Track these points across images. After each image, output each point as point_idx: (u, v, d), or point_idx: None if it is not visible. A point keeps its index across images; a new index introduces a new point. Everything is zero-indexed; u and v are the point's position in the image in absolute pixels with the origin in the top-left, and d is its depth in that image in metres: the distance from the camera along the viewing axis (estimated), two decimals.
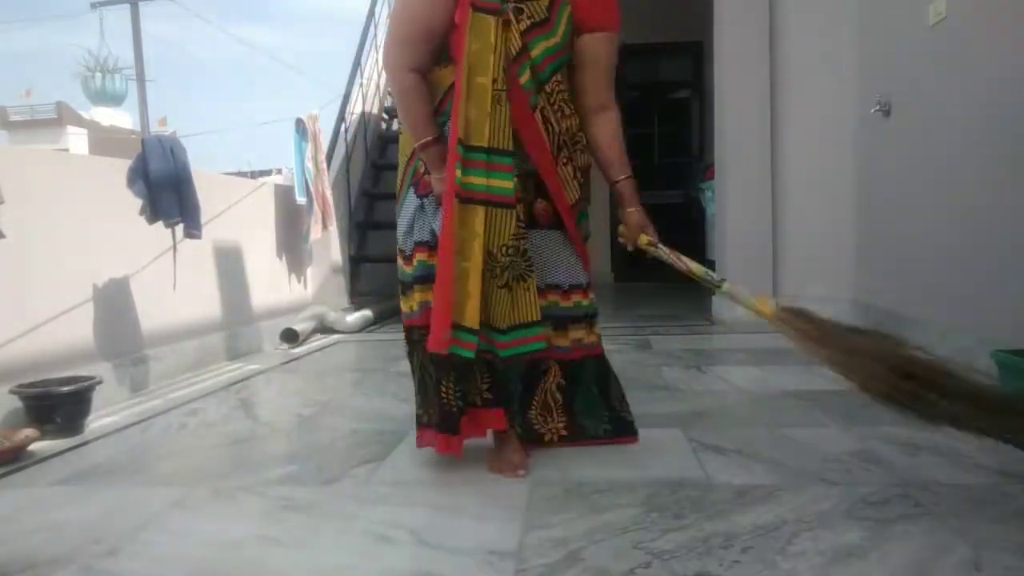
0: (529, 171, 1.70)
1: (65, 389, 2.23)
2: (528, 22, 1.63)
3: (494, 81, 1.58)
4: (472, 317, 1.57)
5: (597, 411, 1.90)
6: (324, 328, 4.30)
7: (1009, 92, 2.45)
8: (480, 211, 1.59)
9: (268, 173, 17.35)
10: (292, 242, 4.34)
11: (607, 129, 1.76)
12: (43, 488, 1.78)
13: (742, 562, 1.23)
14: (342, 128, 5.03)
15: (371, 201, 5.38)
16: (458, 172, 1.56)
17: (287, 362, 3.43)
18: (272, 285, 4.08)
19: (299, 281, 4.46)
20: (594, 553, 1.28)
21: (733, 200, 4.11)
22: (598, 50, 1.70)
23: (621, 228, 1.86)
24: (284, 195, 4.32)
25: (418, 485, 1.69)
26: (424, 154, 1.67)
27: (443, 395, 1.70)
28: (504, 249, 1.62)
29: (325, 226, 4.43)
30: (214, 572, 1.29)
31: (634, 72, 7.77)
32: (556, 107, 1.70)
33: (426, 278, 1.68)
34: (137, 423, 2.37)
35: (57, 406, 2.21)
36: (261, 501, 1.62)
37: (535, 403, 1.83)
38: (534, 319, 1.68)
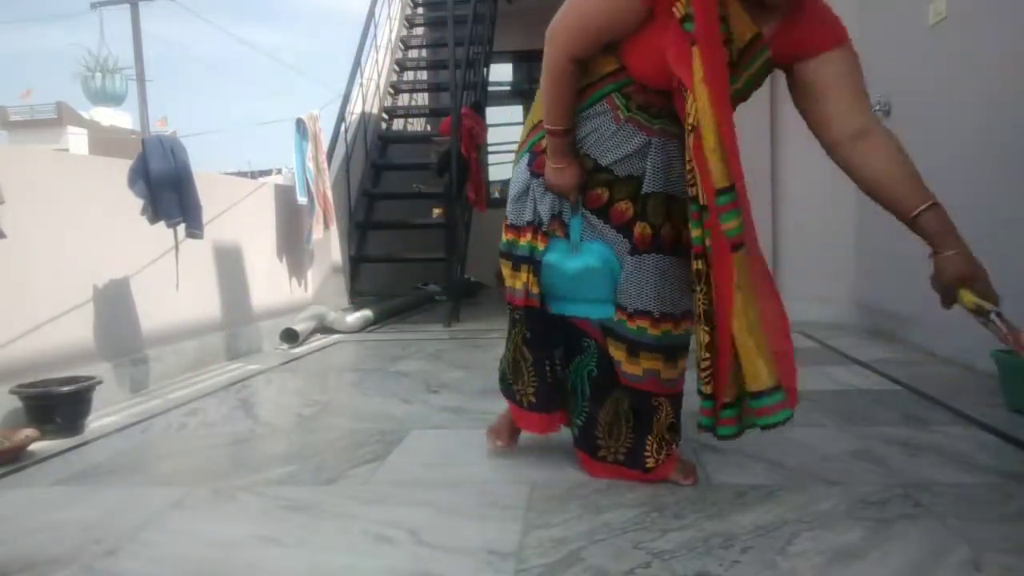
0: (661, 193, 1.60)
1: (65, 389, 2.23)
2: (731, 54, 1.49)
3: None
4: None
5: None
6: (324, 328, 4.30)
7: (1009, 92, 2.45)
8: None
9: (269, 173, 17.37)
10: (292, 242, 4.34)
11: (877, 154, 1.47)
12: (43, 488, 1.78)
13: (742, 562, 1.23)
14: (342, 128, 5.03)
15: (371, 201, 5.38)
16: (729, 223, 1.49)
17: (287, 362, 3.43)
18: (272, 285, 4.08)
19: (299, 281, 4.46)
20: (594, 553, 1.28)
21: None
22: (837, 70, 1.52)
23: (933, 277, 1.46)
24: (284, 195, 4.32)
25: (418, 485, 1.69)
26: (552, 140, 1.57)
27: (546, 374, 1.70)
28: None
29: (326, 226, 4.43)
30: (214, 572, 1.29)
31: None
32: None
33: (530, 259, 1.65)
34: (137, 423, 2.37)
35: (57, 406, 2.21)
36: (261, 501, 1.62)
37: (652, 435, 1.64)
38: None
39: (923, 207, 1.41)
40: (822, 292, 3.98)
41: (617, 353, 1.62)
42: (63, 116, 23.55)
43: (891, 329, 3.41)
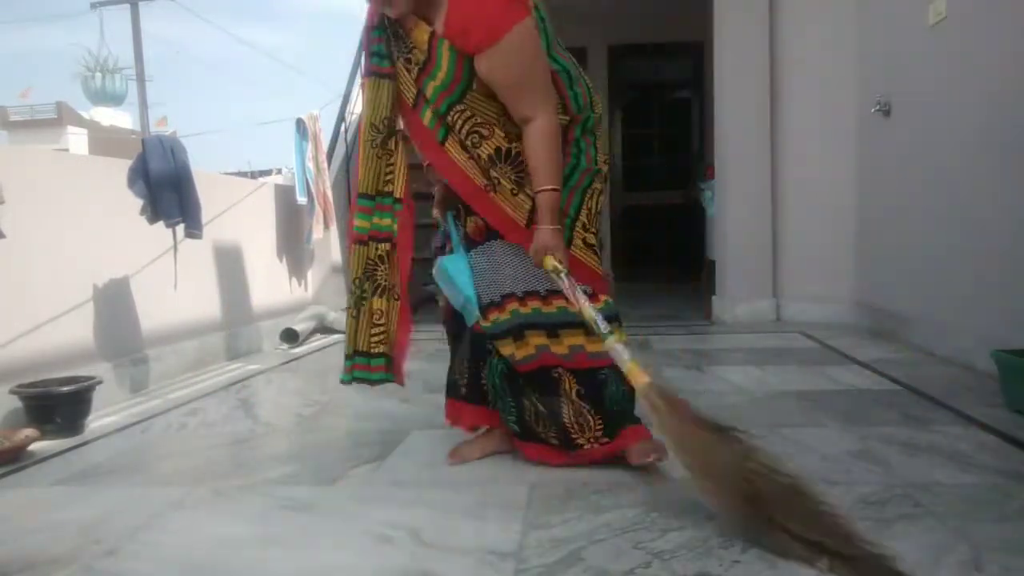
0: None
1: (65, 389, 2.23)
2: (417, 69, 1.67)
3: (371, 133, 1.75)
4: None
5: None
6: (324, 328, 4.29)
7: (1009, 92, 2.45)
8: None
9: (268, 173, 17.35)
10: (292, 242, 4.34)
11: (527, 142, 1.66)
12: (43, 488, 1.78)
13: (742, 562, 1.23)
14: (342, 128, 5.02)
15: None
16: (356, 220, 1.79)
17: (287, 362, 3.43)
18: (272, 285, 4.08)
19: (299, 281, 4.46)
20: (594, 553, 1.28)
21: (733, 200, 4.11)
22: (484, 70, 1.61)
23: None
24: (284, 195, 4.32)
25: (418, 485, 1.69)
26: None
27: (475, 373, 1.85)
28: (355, 281, 1.85)
29: (326, 226, 4.43)
30: (214, 572, 1.29)
31: (634, 72, 7.77)
32: (467, 135, 1.70)
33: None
34: (137, 423, 2.37)
35: (57, 406, 2.21)
36: (261, 501, 1.62)
37: (567, 412, 1.72)
38: (361, 348, 1.84)
39: (538, 190, 1.64)
40: (822, 292, 3.98)
41: (505, 348, 1.73)
42: (63, 116, 23.55)
43: (891, 329, 3.41)
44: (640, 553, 1.27)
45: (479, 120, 1.69)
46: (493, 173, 1.70)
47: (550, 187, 1.64)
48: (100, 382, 2.36)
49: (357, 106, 5.27)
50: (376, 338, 1.81)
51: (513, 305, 1.74)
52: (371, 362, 1.80)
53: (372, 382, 1.81)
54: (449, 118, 1.68)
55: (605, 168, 1.88)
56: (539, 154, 1.63)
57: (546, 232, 1.64)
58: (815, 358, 3.00)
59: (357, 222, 1.81)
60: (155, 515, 1.54)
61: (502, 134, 1.69)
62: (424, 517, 1.48)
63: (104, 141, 20.73)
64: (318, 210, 4.34)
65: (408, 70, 1.68)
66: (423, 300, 5.73)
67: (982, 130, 2.62)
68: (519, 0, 1.61)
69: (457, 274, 1.81)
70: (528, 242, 1.67)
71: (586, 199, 1.79)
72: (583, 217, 1.78)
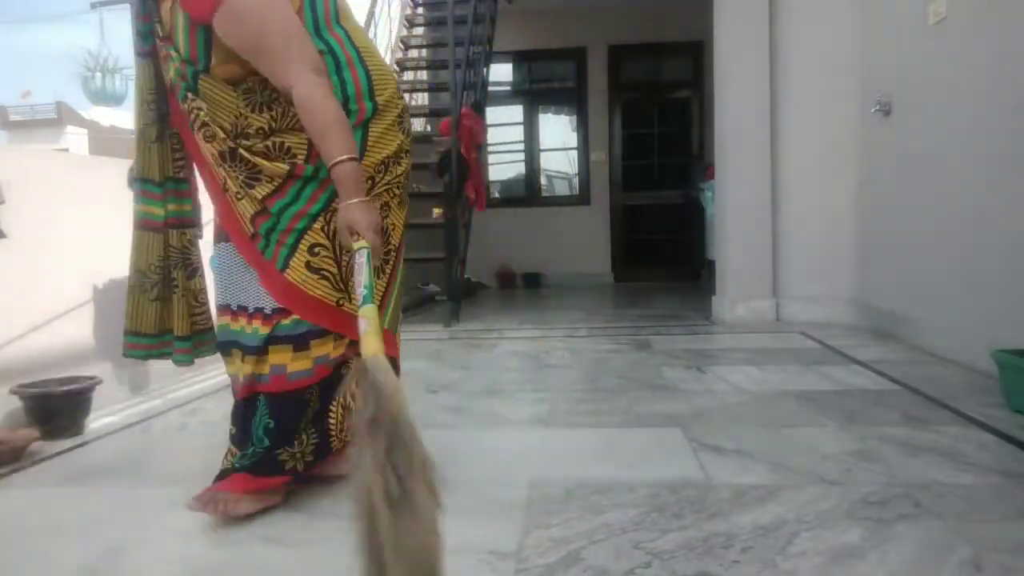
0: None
1: (65, 389, 2.23)
2: (164, 48, 1.52)
3: (141, 119, 1.63)
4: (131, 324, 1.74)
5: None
6: None
7: (1009, 92, 2.45)
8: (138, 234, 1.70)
9: None
10: None
11: (300, 115, 1.45)
12: (43, 488, 1.78)
13: (742, 562, 1.23)
14: None
15: None
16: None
17: None
18: None
19: None
20: (594, 553, 1.28)
21: (733, 200, 4.11)
22: (220, 36, 1.42)
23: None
24: None
25: None
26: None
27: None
28: (151, 267, 1.70)
29: None
30: (214, 572, 1.29)
31: (634, 72, 7.78)
32: (199, 130, 1.53)
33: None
34: (137, 423, 2.37)
35: (57, 406, 2.21)
36: None
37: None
38: (182, 332, 1.74)
39: (332, 163, 1.43)
40: (822, 292, 3.98)
41: (232, 366, 1.66)
42: (63, 116, 23.53)
43: (891, 329, 3.41)
44: (640, 553, 1.27)
45: (205, 117, 1.51)
46: (222, 172, 1.55)
47: (342, 158, 1.41)
48: (100, 382, 2.36)
49: None
50: (199, 318, 1.75)
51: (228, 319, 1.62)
52: (197, 339, 1.77)
53: (181, 362, 1.77)
54: (184, 108, 1.54)
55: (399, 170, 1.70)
56: (313, 125, 1.43)
57: (351, 208, 1.41)
58: (815, 358, 3.00)
59: (144, 207, 1.69)
60: (155, 515, 1.54)
61: (223, 135, 1.50)
62: None
63: (104, 141, 20.72)
64: None
65: (160, 50, 1.55)
66: (423, 300, 5.74)
67: (982, 130, 2.62)
68: None
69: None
70: (250, 255, 1.53)
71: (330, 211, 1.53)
72: (315, 234, 1.53)
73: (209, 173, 1.59)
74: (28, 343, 2.36)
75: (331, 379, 1.59)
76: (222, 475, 1.57)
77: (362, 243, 1.40)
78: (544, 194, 8.06)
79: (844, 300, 3.93)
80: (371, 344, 1.24)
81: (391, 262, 1.67)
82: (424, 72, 6.73)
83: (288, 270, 1.52)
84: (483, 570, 1.24)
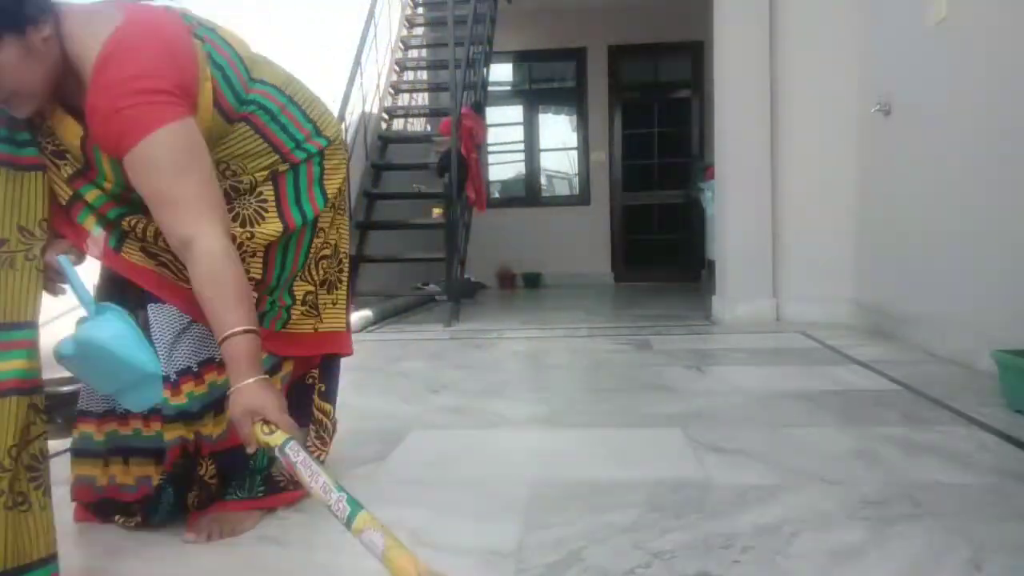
0: None
1: (65, 389, 2.23)
2: (71, 170, 1.31)
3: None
4: None
5: None
6: None
7: (1009, 92, 2.45)
8: None
9: None
10: None
11: (191, 276, 1.23)
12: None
13: (742, 562, 1.23)
14: (342, 128, 5.02)
15: (371, 201, 5.39)
16: None
17: None
18: None
19: None
20: (594, 553, 1.28)
21: (733, 200, 4.11)
22: (131, 179, 1.25)
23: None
24: None
25: (418, 485, 1.69)
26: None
27: None
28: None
29: None
30: (214, 572, 1.29)
31: (634, 72, 7.78)
32: (155, 238, 1.33)
33: None
34: None
35: (57, 406, 2.20)
36: None
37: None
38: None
39: (222, 336, 1.20)
40: (822, 292, 3.98)
41: (205, 428, 1.41)
42: None
43: (891, 329, 3.41)
44: (640, 553, 1.27)
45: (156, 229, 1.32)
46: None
47: (238, 329, 1.20)
48: None
49: (357, 106, 5.27)
50: None
51: (213, 375, 1.39)
52: None
53: None
54: (125, 224, 1.35)
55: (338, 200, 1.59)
56: (208, 287, 1.21)
57: (251, 390, 1.18)
58: (815, 358, 3.00)
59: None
60: None
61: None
62: (424, 517, 1.47)
63: None
64: None
65: (57, 166, 1.30)
66: (423, 300, 5.74)
67: (982, 130, 2.62)
68: (160, 102, 1.21)
69: (121, 342, 1.29)
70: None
71: (313, 245, 1.52)
72: (312, 271, 1.53)
73: (150, 275, 1.37)
74: None
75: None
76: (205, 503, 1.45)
77: (280, 435, 1.16)
78: (544, 194, 8.06)
79: (844, 300, 3.93)
80: (404, 562, 1.09)
81: (345, 271, 1.66)
82: (424, 72, 6.74)
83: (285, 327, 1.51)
84: (483, 570, 1.24)
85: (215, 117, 1.33)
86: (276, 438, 1.17)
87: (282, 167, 1.45)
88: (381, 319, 4.76)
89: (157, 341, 1.35)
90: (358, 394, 2.70)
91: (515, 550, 1.31)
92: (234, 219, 1.39)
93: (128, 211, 1.34)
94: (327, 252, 1.58)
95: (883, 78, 3.53)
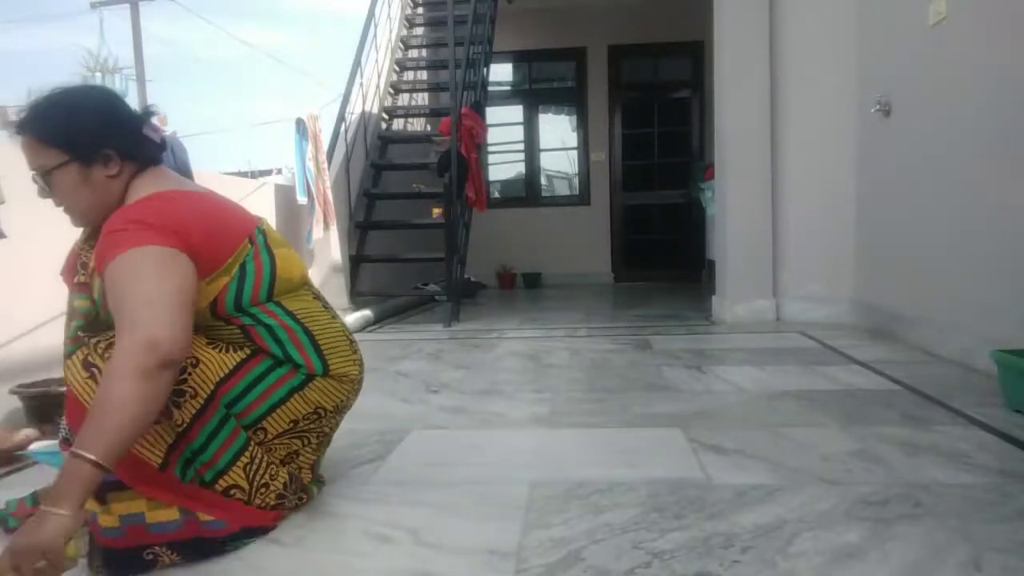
0: None
1: (65, 389, 2.23)
2: (81, 278, 1.42)
3: None
4: None
5: None
6: None
7: (1009, 92, 2.45)
8: None
9: (269, 173, 17.36)
10: (293, 242, 4.33)
11: (101, 381, 1.23)
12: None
13: (742, 562, 1.23)
14: (342, 128, 5.03)
15: (371, 201, 5.39)
16: None
17: None
18: None
19: None
20: (594, 553, 1.28)
21: (733, 200, 4.11)
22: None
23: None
24: (285, 195, 4.32)
25: (418, 485, 1.69)
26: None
27: None
28: None
29: (327, 226, 4.43)
30: (214, 572, 1.29)
31: (634, 72, 7.78)
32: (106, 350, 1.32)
33: None
34: None
35: (57, 406, 2.20)
36: None
37: None
38: None
39: (83, 453, 1.12)
40: (822, 292, 3.98)
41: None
42: None
43: (891, 329, 3.41)
44: (640, 553, 1.27)
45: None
46: None
47: (87, 455, 1.11)
48: None
49: (357, 106, 5.28)
50: None
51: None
52: None
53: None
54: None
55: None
56: (99, 403, 1.16)
57: (46, 519, 1.09)
58: (815, 358, 3.00)
59: None
60: None
61: None
62: (424, 517, 1.48)
63: None
64: (318, 210, 4.34)
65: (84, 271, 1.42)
66: (423, 300, 5.74)
67: (982, 130, 2.62)
68: (145, 230, 1.27)
69: None
70: (169, 493, 1.31)
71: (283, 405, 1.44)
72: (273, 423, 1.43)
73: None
74: (28, 343, 2.36)
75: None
76: None
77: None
78: (544, 194, 8.06)
79: (844, 300, 3.93)
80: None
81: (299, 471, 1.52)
82: (424, 72, 6.74)
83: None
84: (483, 570, 1.24)
85: (204, 312, 1.37)
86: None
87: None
88: (381, 319, 4.76)
89: None
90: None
91: (515, 550, 1.31)
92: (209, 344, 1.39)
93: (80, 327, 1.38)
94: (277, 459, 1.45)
95: (883, 78, 3.53)
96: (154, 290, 1.23)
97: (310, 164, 4.30)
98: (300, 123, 4.31)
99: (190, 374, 1.33)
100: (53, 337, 2.46)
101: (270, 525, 1.42)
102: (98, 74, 23.84)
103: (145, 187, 1.40)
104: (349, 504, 1.57)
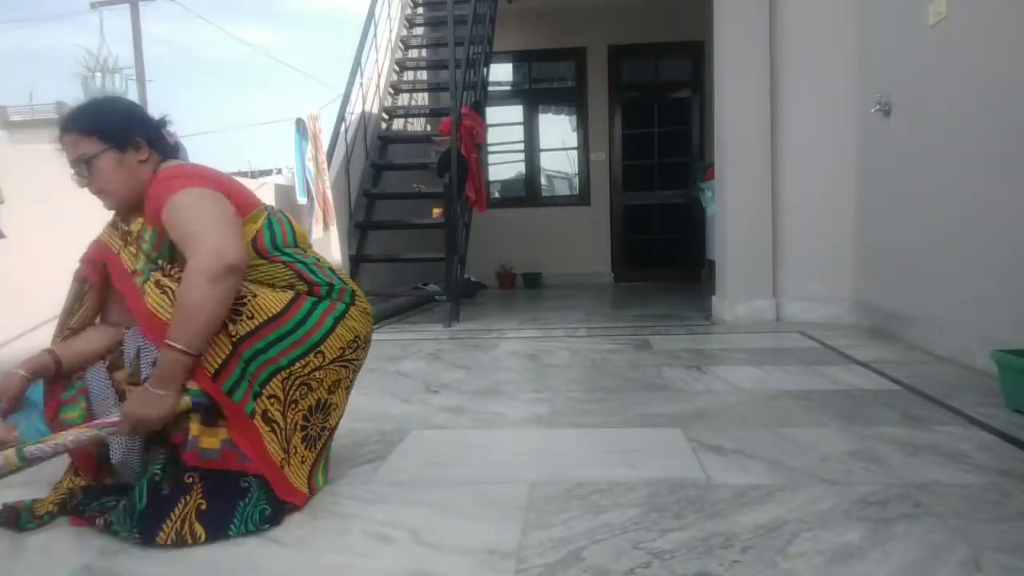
0: None
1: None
2: (132, 250, 1.62)
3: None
4: None
5: None
6: None
7: (1009, 92, 2.45)
8: None
9: (269, 173, 17.35)
10: None
11: (180, 285, 1.46)
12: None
13: (742, 562, 1.23)
14: (342, 128, 5.03)
15: (371, 201, 5.39)
16: None
17: None
18: None
19: None
20: (594, 553, 1.28)
21: (733, 200, 4.11)
22: (167, 228, 1.54)
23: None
24: (285, 195, 4.32)
25: (418, 485, 1.69)
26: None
27: None
28: None
29: (326, 226, 4.43)
30: (213, 572, 1.29)
31: (634, 72, 7.78)
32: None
33: None
34: None
35: None
36: None
37: None
38: None
39: (172, 343, 1.41)
40: (822, 292, 3.98)
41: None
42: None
43: (891, 329, 3.41)
44: (640, 553, 1.27)
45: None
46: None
47: (176, 344, 1.40)
48: None
49: (357, 106, 5.28)
50: None
51: None
52: None
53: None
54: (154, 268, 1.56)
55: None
56: (181, 301, 1.42)
57: (145, 395, 1.42)
58: (815, 358, 3.00)
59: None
60: None
61: None
62: (424, 517, 1.48)
63: None
64: (318, 210, 4.34)
65: (125, 242, 1.62)
66: (423, 300, 5.74)
67: (982, 130, 2.62)
68: (193, 179, 1.56)
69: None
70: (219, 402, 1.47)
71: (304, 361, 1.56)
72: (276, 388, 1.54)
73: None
74: (28, 343, 2.36)
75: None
76: None
77: (113, 422, 1.43)
78: (544, 194, 8.06)
79: (844, 300, 3.93)
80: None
81: (324, 438, 1.65)
82: (424, 72, 6.74)
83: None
84: (483, 570, 1.24)
85: (248, 247, 1.56)
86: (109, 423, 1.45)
87: (302, 287, 1.61)
88: (381, 319, 4.76)
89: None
90: (358, 394, 2.69)
91: (515, 550, 1.31)
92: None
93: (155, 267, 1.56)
94: (315, 398, 1.59)
95: (883, 78, 3.53)
96: (211, 213, 1.50)
97: (310, 164, 4.30)
98: (300, 123, 4.31)
99: (249, 301, 1.50)
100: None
101: (282, 498, 1.50)
102: (98, 74, 23.85)
103: (173, 164, 1.67)
104: (349, 504, 1.57)
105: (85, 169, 1.59)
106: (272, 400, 1.52)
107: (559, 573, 1.22)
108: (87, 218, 2.64)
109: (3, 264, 2.28)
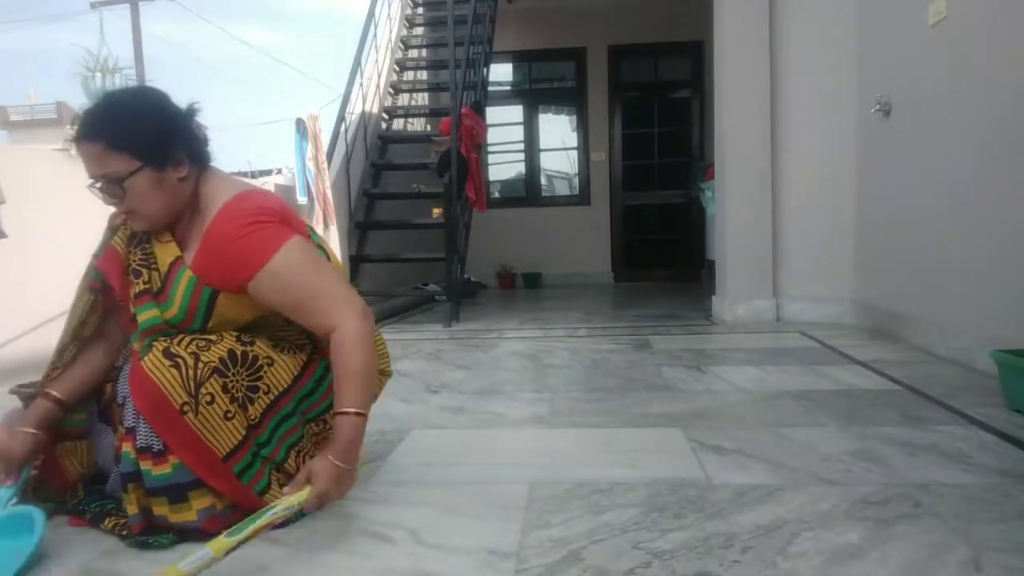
0: None
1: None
2: (141, 287, 1.45)
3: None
4: None
5: None
6: None
7: (1009, 92, 2.45)
8: None
9: (269, 173, 17.34)
10: None
11: (332, 355, 1.42)
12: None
13: (742, 562, 1.23)
14: (342, 128, 5.03)
15: (371, 201, 5.39)
16: None
17: None
18: None
19: None
20: (594, 553, 1.28)
21: (733, 200, 4.11)
22: (259, 294, 1.41)
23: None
24: (285, 195, 4.32)
25: (418, 485, 1.69)
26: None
27: None
28: None
29: (327, 225, 4.43)
30: (213, 572, 1.29)
31: (634, 72, 7.78)
32: (189, 343, 1.40)
33: None
34: None
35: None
36: None
37: None
38: None
39: (343, 410, 1.40)
40: (822, 292, 3.98)
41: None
42: (63, 116, 23.56)
43: (891, 329, 3.41)
44: (640, 553, 1.27)
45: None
46: (207, 388, 1.34)
47: (349, 410, 1.39)
48: None
49: (357, 106, 5.28)
50: None
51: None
52: None
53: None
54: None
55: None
56: (339, 366, 1.40)
57: (329, 468, 1.36)
58: (815, 358, 3.00)
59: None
60: None
61: (233, 337, 1.43)
62: (424, 517, 1.48)
63: None
64: (318, 210, 4.35)
65: (131, 282, 1.46)
66: (423, 300, 5.74)
67: (982, 130, 2.62)
68: (282, 225, 1.43)
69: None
70: (225, 484, 1.36)
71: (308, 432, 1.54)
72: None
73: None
74: (28, 343, 2.36)
75: None
76: None
77: (302, 496, 1.33)
78: (544, 194, 8.06)
79: (844, 300, 3.93)
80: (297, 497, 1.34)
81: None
82: (424, 72, 6.74)
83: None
84: (483, 570, 1.24)
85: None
86: (299, 495, 1.34)
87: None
88: (381, 319, 4.76)
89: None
90: None
91: (515, 550, 1.31)
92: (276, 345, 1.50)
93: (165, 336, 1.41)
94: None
95: (883, 78, 3.53)
96: (322, 267, 1.46)
97: (310, 164, 4.31)
98: (300, 123, 4.31)
99: (266, 372, 1.43)
100: (53, 337, 2.46)
101: None
102: (98, 74, 23.82)
103: (219, 190, 1.47)
104: (349, 504, 1.57)
105: (117, 188, 1.37)
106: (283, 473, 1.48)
107: (559, 573, 1.22)
108: (87, 218, 2.64)
109: (3, 264, 2.28)
